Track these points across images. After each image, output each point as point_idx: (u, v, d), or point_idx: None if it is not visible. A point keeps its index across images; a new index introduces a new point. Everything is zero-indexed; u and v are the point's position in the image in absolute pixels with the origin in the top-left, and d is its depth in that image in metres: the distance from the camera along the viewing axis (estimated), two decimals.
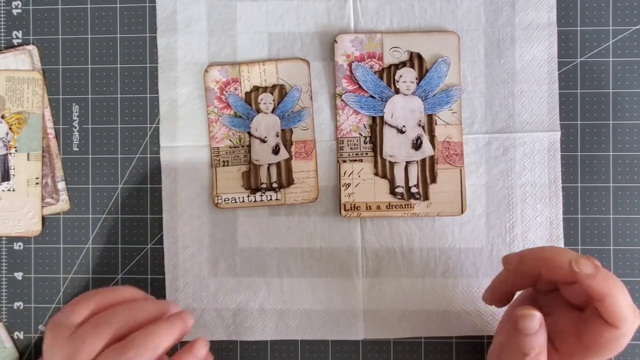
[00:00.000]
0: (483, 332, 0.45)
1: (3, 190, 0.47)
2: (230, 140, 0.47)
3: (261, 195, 0.46)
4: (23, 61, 0.47)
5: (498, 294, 0.39)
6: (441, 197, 0.45)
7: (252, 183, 0.46)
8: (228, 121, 0.46)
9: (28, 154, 0.47)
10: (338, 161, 0.46)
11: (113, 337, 0.33)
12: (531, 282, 0.36)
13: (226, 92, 0.46)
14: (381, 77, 0.46)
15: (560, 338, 0.35)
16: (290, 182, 0.46)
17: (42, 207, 0.47)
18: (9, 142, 0.46)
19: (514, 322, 0.34)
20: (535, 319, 0.33)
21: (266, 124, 0.46)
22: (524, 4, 0.46)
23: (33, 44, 0.48)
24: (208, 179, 0.47)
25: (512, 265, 0.36)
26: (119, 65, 0.48)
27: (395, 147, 0.46)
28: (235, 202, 0.46)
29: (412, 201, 0.45)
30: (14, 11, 0.48)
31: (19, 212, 0.47)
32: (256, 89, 0.46)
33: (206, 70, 0.46)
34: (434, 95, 0.45)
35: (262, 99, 0.46)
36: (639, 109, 0.46)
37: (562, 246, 0.45)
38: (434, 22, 0.46)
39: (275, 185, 0.46)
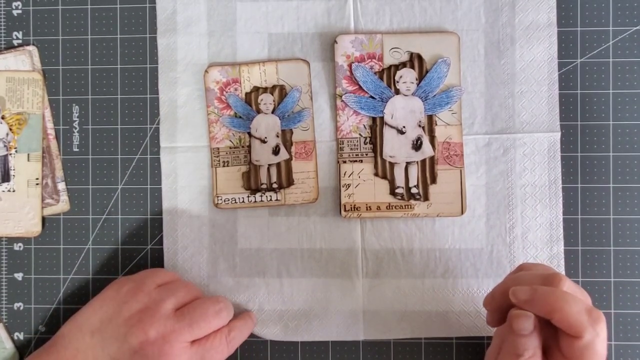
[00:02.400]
0: (483, 333, 0.45)
1: (3, 191, 0.46)
2: (230, 140, 0.46)
3: (261, 196, 0.46)
4: (23, 62, 0.47)
5: (497, 318, 0.39)
6: (441, 197, 0.45)
7: (252, 183, 0.46)
8: (228, 122, 0.46)
9: (28, 154, 0.47)
10: (338, 162, 0.46)
11: (178, 303, 0.41)
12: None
13: (226, 92, 0.46)
14: (381, 78, 0.46)
15: (551, 354, 0.35)
16: (290, 182, 0.46)
17: (42, 207, 0.47)
18: (9, 142, 0.46)
19: (509, 323, 0.34)
20: (529, 320, 0.34)
21: (266, 125, 0.46)
22: (524, 4, 0.46)
23: (33, 44, 0.48)
24: (208, 179, 0.47)
25: (489, 304, 0.38)
26: (119, 66, 0.48)
27: (396, 147, 0.46)
28: (235, 202, 0.46)
29: (412, 202, 0.45)
30: (14, 12, 0.48)
31: (19, 212, 0.47)
32: (256, 89, 0.46)
33: (206, 71, 0.46)
34: (434, 95, 0.45)
35: (262, 100, 0.46)
36: (639, 109, 0.46)
37: (562, 247, 0.45)
38: (434, 23, 0.46)
39: (275, 185, 0.46)
